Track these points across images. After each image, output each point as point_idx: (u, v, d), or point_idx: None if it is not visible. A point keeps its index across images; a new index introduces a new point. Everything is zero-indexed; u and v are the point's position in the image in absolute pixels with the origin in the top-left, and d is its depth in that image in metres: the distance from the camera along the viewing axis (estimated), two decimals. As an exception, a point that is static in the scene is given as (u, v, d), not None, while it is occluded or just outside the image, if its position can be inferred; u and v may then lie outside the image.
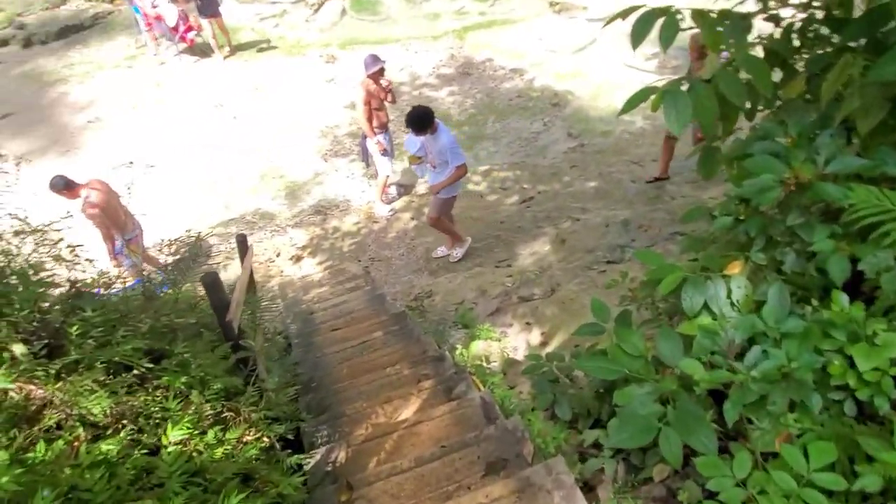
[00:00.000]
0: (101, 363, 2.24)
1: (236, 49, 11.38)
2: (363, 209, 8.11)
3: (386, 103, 7.43)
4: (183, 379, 2.42)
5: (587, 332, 2.91)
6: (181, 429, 2.19)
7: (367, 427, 3.09)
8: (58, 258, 2.72)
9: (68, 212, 5.91)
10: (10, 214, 3.24)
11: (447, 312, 5.63)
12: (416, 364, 3.77)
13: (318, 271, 7.15)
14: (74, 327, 2.19)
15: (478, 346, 4.63)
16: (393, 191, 8.30)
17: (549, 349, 4.87)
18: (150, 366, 2.34)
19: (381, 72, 7.16)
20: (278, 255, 7.53)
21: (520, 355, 4.92)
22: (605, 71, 10.37)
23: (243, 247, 4.86)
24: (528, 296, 5.68)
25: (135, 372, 2.31)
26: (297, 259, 7.43)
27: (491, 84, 10.24)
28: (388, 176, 7.78)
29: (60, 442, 1.71)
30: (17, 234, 3.44)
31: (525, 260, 6.54)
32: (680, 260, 3.02)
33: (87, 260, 3.33)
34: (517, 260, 6.63)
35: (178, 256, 4.07)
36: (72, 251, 2.88)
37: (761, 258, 2.35)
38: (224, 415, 2.47)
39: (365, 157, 7.62)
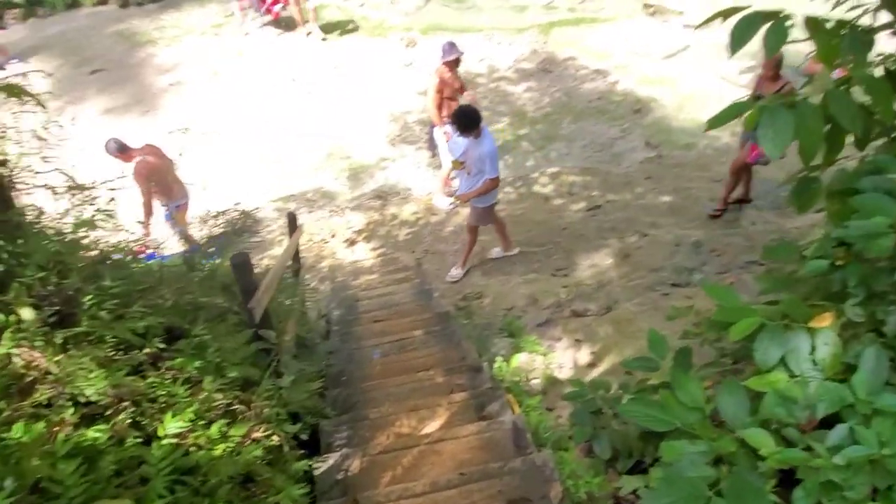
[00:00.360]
0: (113, 338, 2.12)
1: (319, 26, 11.37)
2: (424, 199, 7.93)
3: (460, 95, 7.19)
4: (197, 363, 2.29)
5: (639, 366, 2.61)
6: (182, 419, 2.05)
7: (387, 435, 2.90)
8: (91, 222, 2.63)
9: (123, 172, 6.00)
10: (58, 170, 3.20)
11: (495, 317, 5.38)
12: (452, 372, 3.54)
13: (371, 257, 7.03)
14: (88, 296, 2.08)
15: (520, 359, 4.37)
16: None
17: (597, 371, 4.55)
18: (163, 346, 2.20)
19: (457, 62, 6.93)
20: (333, 237, 7.45)
21: (564, 374, 4.63)
22: (695, 80, 9.79)
23: (293, 225, 4.76)
24: (582, 310, 5.36)
25: (147, 350, 2.19)
26: (352, 242, 7.33)
27: (571, 83, 9.84)
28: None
29: (40, 424, 1.57)
30: (68, 189, 3.40)
31: (584, 271, 6.21)
32: (755, 300, 2.66)
33: (138, 223, 3.26)
34: (575, 270, 6.30)
35: (221, 230, 3.98)
36: (108, 214, 2.80)
37: (858, 314, 2.00)
38: (234, 407, 2.32)
39: (431, 146, 7.41)
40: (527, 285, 5.87)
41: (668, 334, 2.70)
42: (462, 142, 5.69)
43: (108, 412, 1.98)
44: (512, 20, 11.40)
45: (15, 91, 2.54)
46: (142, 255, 5.96)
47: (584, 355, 4.77)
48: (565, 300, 5.51)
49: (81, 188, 3.45)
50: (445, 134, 7.13)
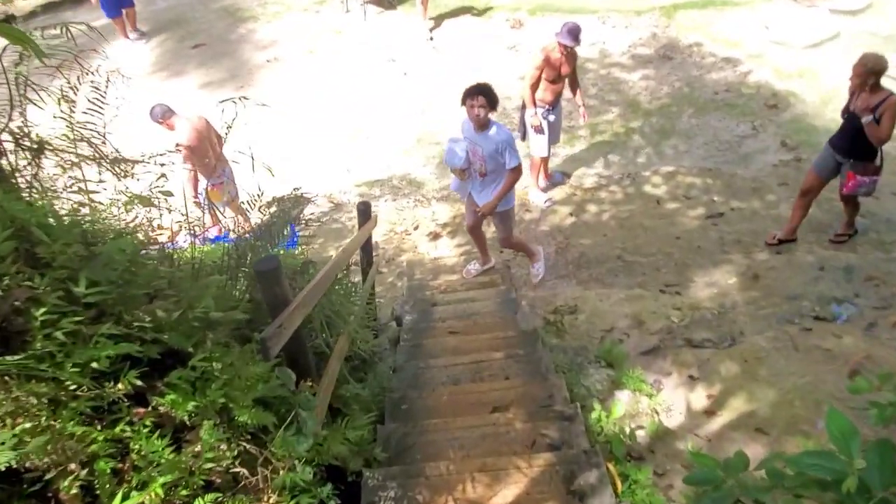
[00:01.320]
0: (74, 367, 1.56)
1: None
2: (518, 194, 7.17)
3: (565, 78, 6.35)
4: (191, 405, 1.70)
5: (815, 469, 1.78)
6: (151, 493, 1.46)
7: (447, 501, 2.22)
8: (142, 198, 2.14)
9: (177, 146, 5.59)
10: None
11: (590, 339, 4.58)
12: (536, 417, 2.82)
13: (454, 255, 6.37)
14: (42, 309, 1.52)
15: (623, 402, 3.56)
16: (558, 177, 7.27)
17: (717, 423, 3.67)
18: (140, 382, 1.63)
19: (572, 49, 6.09)
20: (416, 229, 6.86)
21: (675, 420, 3.78)
22: (844, 74, 8.39)
23: (364, 217, 4.17)
24: (699, 341, 4.45)
25: (120, 387, 1.62)
26: (435, 236, 6.71)
27: (695, 72, 8.71)
28: (544, 158, 6.74)
29: None
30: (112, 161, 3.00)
31: (700, 291, 5.27)
32: None
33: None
34: (689, 289, 5.37)
35: (275, 219, 3.43)
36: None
37: None
38: (234, 469, 1.72)
39: (522, 130, 6.62)
40: (630, 303, 5.01)
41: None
42: (459, 148, 4.81)
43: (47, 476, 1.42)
44: (631, 1, 10.33)
45: (14, 35, 2.05)
46: (208, 237, 5.55)
47: (700, 397, 3.89)
48: (678, 325, 4.62)
49: (124, 161, 3.02)
50: (534, 116, 6.32)
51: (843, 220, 5.75)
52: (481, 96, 4.50)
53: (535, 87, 6.20)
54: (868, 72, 4.81)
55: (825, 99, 7.98)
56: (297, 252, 6.17)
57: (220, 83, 9.92)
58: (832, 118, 7.68)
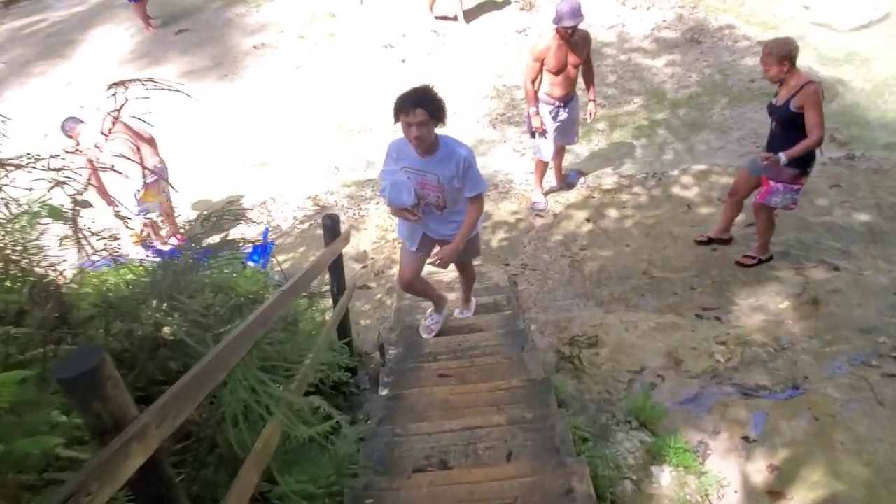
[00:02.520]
0: None
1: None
2: (526, 195, 6.29)
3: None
4: None
5: None
6: None
7: None
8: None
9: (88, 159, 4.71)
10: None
11: (615, 382, 3.70)
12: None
13: (452, 268, 5.50)
14: None
15: (663, 484, 2.69)
16: (573, 176, 6.38)
17: (788, 511, 2.80)
18: None
19: (573, 30, 5.07)
20: (410, 236, 5.98)
21: (729, 502, 2.91)
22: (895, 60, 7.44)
23: (331, 234, 3.30)
24: (752, 387, 3.56)
25: None
26: (432, 245, 5.83)
27: (727, 58, 7.76)
28: (544, 162, 5.83)
29: None
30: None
31: (746, 317, 4.37)
32: None
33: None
34: (731, 313, 4.47)
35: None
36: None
37: None
38: None
39: (529, 126, 5.70)
40: (663, 334, 4.13)
41: None
42: (402, 179, 3.29)
43: None
44: (652, -20, 9.37)
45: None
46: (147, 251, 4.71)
47: (760, 469, 3.02)
48: (724, 366, 3.73)
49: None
50: (534, 115, 5.43)
51: (756, 239, 4.92)
52: (419, 108, 3.00)
53: (534, 79, 5.30)
54: (780, 59, 4.05)
55: (878, 88, 7.03)
56: (266, 267, 5.35)
57: (202, 72, 9.10)
58: (888, 109, 6.75)
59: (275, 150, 7.43)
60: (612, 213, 5.88)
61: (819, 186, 5.79)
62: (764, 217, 4.67)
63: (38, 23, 11.38)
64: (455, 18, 9.17)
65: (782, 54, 4.07)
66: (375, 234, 6.09)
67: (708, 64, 7.73)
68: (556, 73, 5.26)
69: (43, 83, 9.31)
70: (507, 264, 5.48)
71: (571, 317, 4.69)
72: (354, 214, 6.38)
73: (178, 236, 6.18)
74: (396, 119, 3.11)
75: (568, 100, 5.50)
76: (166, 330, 2.16)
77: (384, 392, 3.29)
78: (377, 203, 6.48)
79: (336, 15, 9.85)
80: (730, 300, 4.64)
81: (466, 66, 8.32)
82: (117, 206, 4.51)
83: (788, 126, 4.20)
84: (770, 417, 3.29)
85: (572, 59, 5.23)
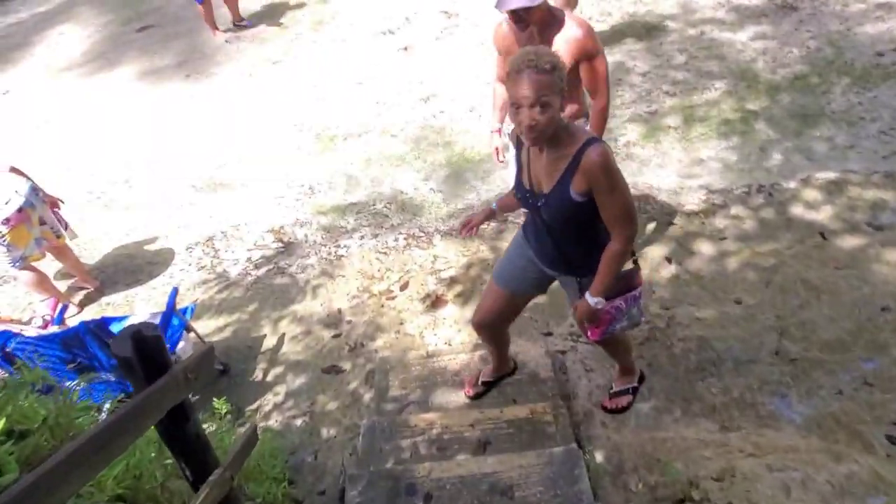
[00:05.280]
0: None
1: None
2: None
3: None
4: None
5: None
6: None
7: None
8: None
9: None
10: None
11: None
12: None
13: (463, 346, 3.58)
14: None
15: None
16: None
17: None
18: None
19: (519, 17, 2.72)
20: (404, 288, 4.11)
21: None
22: None
23: (151, 370, 1.42)
24: None
25: None
26: (435, 302, 3.94)
27: (836, 26, 5.74)
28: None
29: None
30: None
31: None
32: None
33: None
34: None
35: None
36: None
37: None
38: None
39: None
40: (828, 472, 2.18)
41: None
42: None
43: None
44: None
45: None
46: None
47: None
48: None
49: None
50: (494, 135, 3.34)
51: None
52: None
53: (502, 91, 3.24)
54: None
55: None
56: (175, 349, 3.52)
57: (161, 72, 7.40)
58: None
59: (235, 167, 5.64)
60: (705, 247, 3.93)
61: None
62: (614, 346, 2.78)
63: (-5, 27, 9.89)
64: None
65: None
66: (356, 285, 4.23)
67: (812, 35, 5.72)
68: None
69: (-22, 93, 7.74)
70: (548, 333, 3.56)
71: (661, 437, 2.76)
72: (329, 255, 4.54)
73: (90, 282, 4.48)
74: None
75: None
76: None
77: None
78: (361, 237, 4.62)
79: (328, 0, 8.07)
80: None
81: (480, 50, 6.43)
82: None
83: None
84: None
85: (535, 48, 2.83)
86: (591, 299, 2.19)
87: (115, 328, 3.59)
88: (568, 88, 2.76)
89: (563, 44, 2.74)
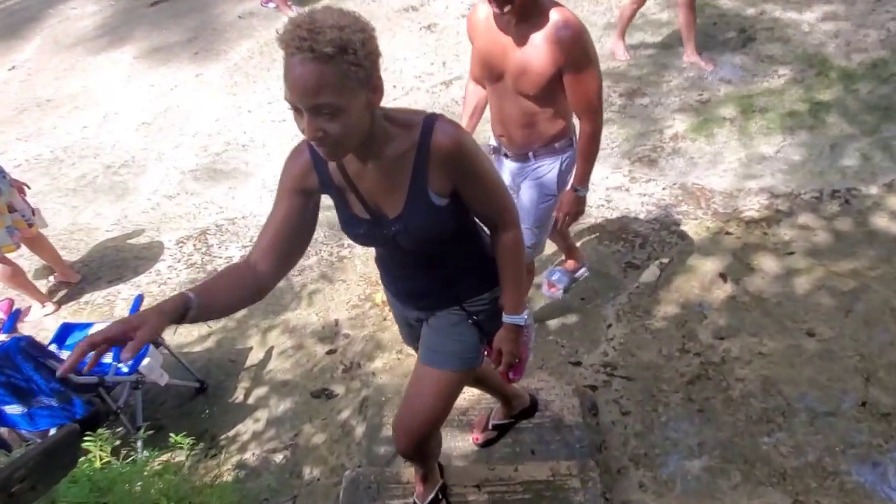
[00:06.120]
0: None
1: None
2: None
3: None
4: None
5: None
6: None
7: None
8: None
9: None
10: None
11: None
12: None
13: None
14: None
15: None
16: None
17: None
18: None
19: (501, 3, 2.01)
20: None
21: None
22: None
23: None
24: None
25: None
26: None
27: (921, 6, 5.02)
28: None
29: None
30: None
31: None
32: None
33: None
34: None
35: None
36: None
37: None
38: None
39: None
40: None
41: None
42: None
43: None
44: None
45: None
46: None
47: None
48: None
49: None
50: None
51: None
52: None
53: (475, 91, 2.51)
54: None
55: None
56: (136, 369, 3.00)
57: (170, 49, 6.96)
58: None
59: (238, 153, 5.17)
60: (768, 263, 3.30)
61: None
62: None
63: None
64: None
65: None
66: (357, 293, 3.71)
67: (892, 15, 4.99)
68: (488, 84, 2.36)
69: (-15, 68, 7.42)
70: (576, 363, 2.99)
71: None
72: (330, 255, 4.02)
73: (71, 276, 4.07)
74: None
75: (515, 153, 2.45)
76: None
77: None
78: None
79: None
80: None
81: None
82: None
83: None
84: None
85: (511, 63, 2.17)
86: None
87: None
88: (548, 99, 2.21)
89: (544, 45, 2.04)
